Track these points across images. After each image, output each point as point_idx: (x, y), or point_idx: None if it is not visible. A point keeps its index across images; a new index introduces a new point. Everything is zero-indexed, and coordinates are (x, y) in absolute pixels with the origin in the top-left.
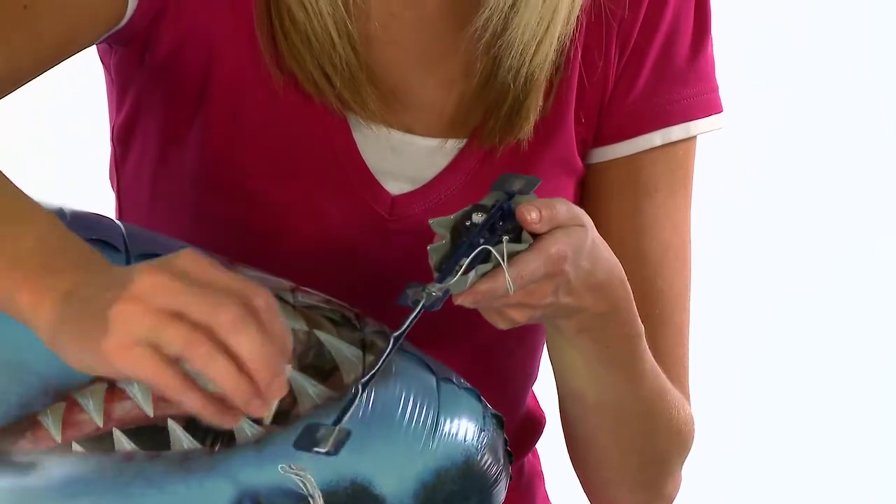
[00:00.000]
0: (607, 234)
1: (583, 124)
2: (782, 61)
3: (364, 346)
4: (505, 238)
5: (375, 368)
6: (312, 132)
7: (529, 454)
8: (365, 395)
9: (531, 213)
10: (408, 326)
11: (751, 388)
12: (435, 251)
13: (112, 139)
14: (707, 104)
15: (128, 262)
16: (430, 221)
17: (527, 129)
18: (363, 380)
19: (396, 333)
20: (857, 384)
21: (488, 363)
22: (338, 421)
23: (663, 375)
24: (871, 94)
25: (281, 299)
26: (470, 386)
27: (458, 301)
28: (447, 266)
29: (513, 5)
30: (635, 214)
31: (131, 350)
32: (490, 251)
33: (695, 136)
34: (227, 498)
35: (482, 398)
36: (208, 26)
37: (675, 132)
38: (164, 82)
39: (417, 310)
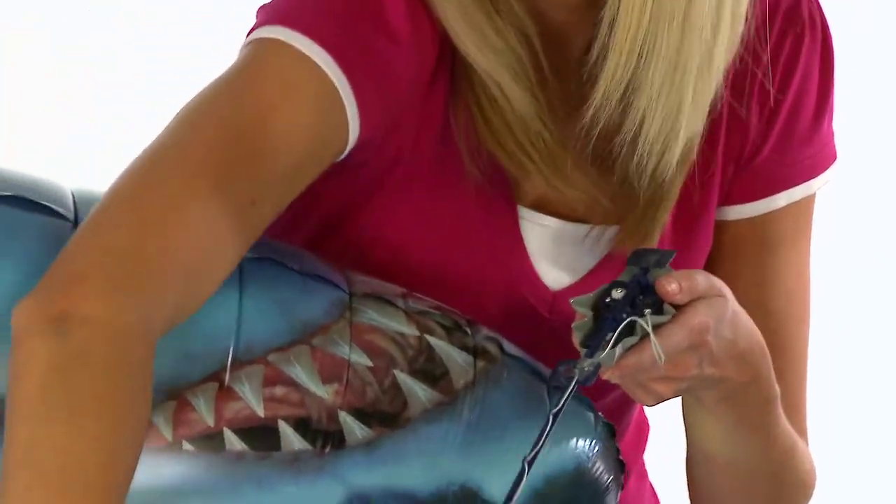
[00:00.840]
0: (730, 288)
1: (721, 191)
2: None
3: (475, 352)
4: (647, 311)
5: (538, 446)
6: (482, 223)
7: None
8: (478, 410)
9: (671, 285)
10: (564, 403)
11: None
12: (578, 329)
13: None
14: (826, 158)
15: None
16: (571, 301)
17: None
18: (528, 457)
19: (554, 410)
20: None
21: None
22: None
23: (793, 431)
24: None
25: (392, 304)
26: (581, 394)
27: (606, 376)
28: (594, 342)
29: (621, 99)
30: (759, 269)
31: None
32: (635, 324)
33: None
34: (338, 499)
35: (593, 407)
36: (408, 135)
37: (799, 192)
38: (351, 163)
39: (572, 386)
